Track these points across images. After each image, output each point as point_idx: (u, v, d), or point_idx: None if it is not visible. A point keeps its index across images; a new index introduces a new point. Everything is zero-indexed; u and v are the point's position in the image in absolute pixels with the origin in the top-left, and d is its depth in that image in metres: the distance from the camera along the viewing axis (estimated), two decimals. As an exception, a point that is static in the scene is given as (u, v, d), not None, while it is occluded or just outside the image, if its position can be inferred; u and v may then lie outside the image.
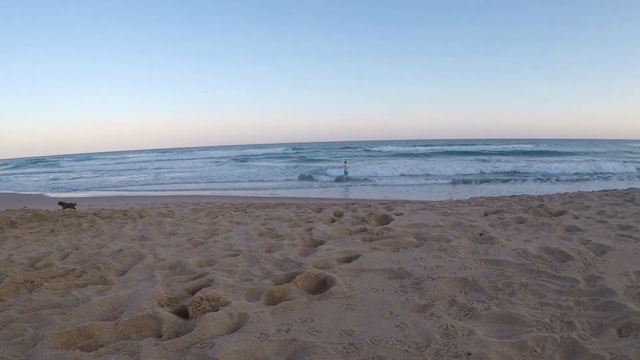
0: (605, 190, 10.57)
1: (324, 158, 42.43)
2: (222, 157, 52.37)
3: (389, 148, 54.16)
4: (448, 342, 2.27)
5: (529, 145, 51.19)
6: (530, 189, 14.64)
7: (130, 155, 73.98)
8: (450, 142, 76.09)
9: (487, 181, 17.83)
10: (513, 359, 2.12)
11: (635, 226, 5.00)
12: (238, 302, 2.84)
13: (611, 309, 2.63)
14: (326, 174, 21.92)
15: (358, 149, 57.85)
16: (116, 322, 2.59)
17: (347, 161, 23.95)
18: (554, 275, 3.30)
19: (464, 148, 50.05)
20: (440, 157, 39.53)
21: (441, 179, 18.58)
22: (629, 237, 4.52)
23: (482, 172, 20.72)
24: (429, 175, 19.97)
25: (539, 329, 2.42)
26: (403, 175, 20.33)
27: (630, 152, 42.32)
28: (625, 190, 10.17)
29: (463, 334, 2.37)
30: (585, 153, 40.81)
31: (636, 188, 10.82)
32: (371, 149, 56.74)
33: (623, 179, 17.41)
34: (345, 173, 20.58)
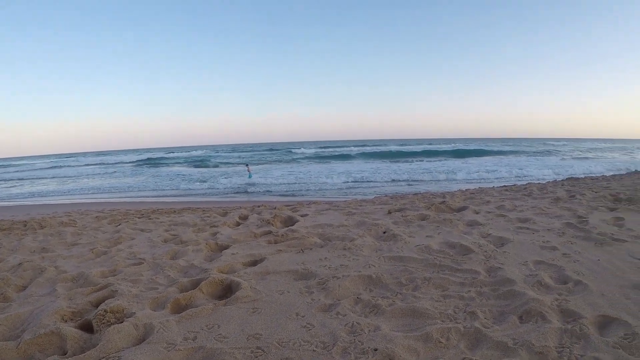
0: (505, 186, 11.76)
1: (235, 161, 41.64)
2: (131, 161, 49.11)
3: (304, 150, 54.95)
4: (354, 340, 2.35)
5: (447, 145, 55.76)
6: (435, 186, 15.75)
7: (23, 162, 65.96)
8: (370, 143, 79.30)
9: (394, 180, 18.83)
10: (419, 351, 2.22)
11: (532, 218, 5.60)
12: (143, 313, 2.85)
13: (511, 297, 2.88)
14: (232, 178, 21.77)
15: (279, 151, 57.58)
16: (18, 341, 2.54)
17: (249, 164, 24.70)
18: (455, 269, 3.55)
19: (380, 149, 52.71)
20: (356, 158, 40.98)
21: (351, 180, 19.12)
22: (527, 229, 5.04)
23: (392, 172, 21.69)
24: (337, 176, 20.38)
25: (442, 321, 2.56)
26: (314, 178, 20.54)
27: (549, 151, 47.50)
28: (523, 185, 11.44)
29: (369, 331, 2.45)
30: (499, 152, 44.65)
31: (534, 183, 12.25)
32: (293, 150, 57.20)
33: (525, 175, 19.51)
34: (250, 176, 20.96)
